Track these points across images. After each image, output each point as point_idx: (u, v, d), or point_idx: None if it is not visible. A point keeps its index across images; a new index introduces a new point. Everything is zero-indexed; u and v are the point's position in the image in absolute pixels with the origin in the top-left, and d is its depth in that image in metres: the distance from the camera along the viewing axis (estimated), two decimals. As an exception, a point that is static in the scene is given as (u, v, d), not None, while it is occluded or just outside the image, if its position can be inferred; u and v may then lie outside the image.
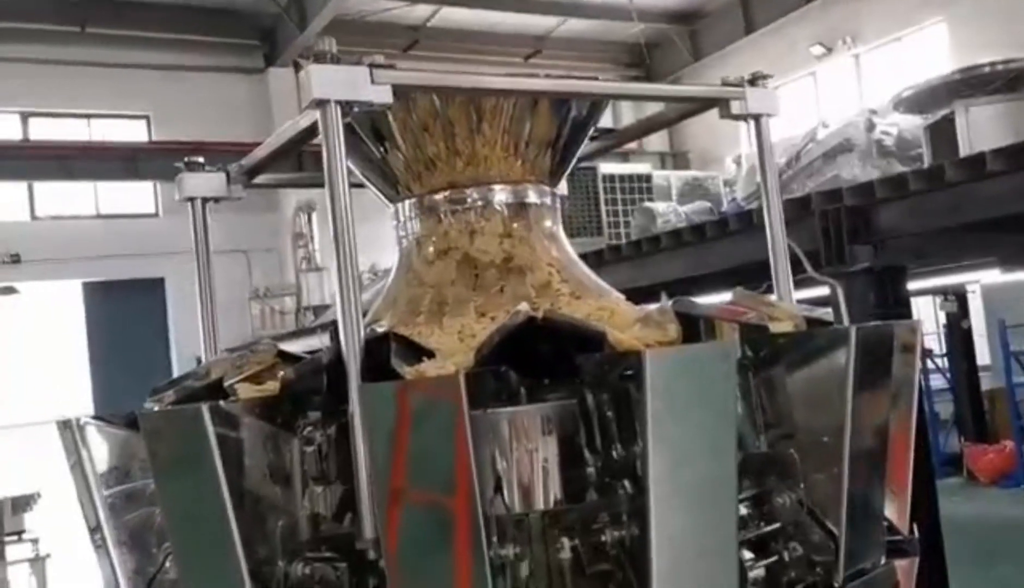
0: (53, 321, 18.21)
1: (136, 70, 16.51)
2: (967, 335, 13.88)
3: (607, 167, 11.84)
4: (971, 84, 6.85)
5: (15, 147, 15.61)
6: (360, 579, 1.92)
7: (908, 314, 5.73)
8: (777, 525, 2.12)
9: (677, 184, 12.57)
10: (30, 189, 16.31)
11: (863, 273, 5.27)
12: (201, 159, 2.70)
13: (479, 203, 2.44)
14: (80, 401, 15.68)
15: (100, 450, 2.28)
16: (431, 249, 2.47)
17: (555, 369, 2.03)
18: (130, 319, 16.68)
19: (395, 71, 2.01)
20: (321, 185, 1.97)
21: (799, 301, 2.58)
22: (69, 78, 16.06)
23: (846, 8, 16.91)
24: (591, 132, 2.72)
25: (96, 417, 2.31)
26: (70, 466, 2.26)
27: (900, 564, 2.32)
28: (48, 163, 15.11)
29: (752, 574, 2.04)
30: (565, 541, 1.90)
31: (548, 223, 2.55)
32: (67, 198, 16.50)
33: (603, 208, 11.38)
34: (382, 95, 1.98)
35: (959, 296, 13.62)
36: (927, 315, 14.46)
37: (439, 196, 2.46)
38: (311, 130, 2.09)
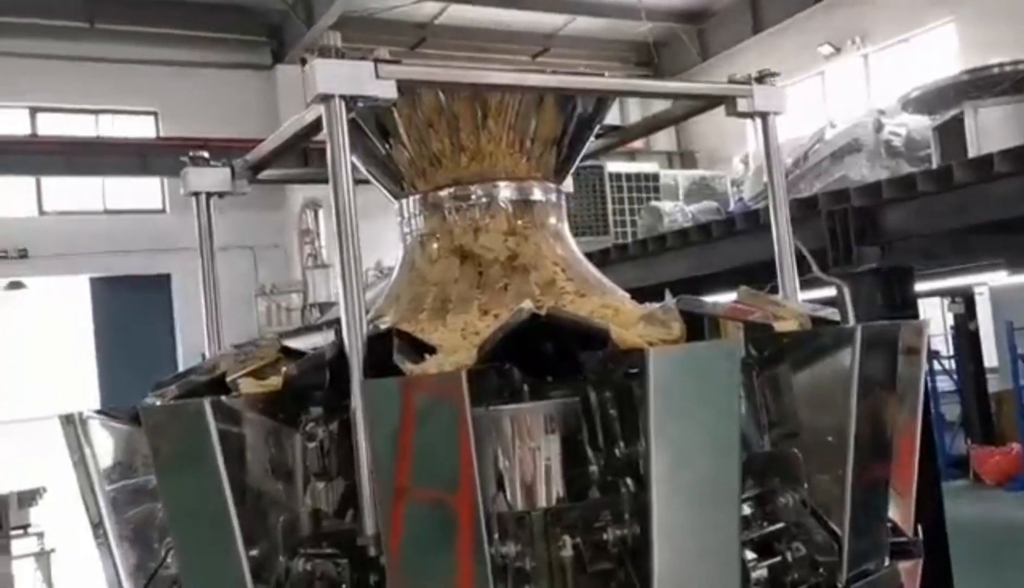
0: (60, 316, 18.26)
1: (144, 66, 16.54)
2: (974, 337, 13.83)
3: (614, 166, 11.80)
4: (980, 85, 6.82)
5: (23, 142, 15.65)
6: (361, 575, 1.92)
7: (915, 315, 5.71)
8: (780, 525, 2.11)
9: (684, 183, 12.53)
10: (38, 184, 16.34)
11: (870, 274, 5.26)
12: (206, 154, 2.70)
13: (484, 200, 2.44)
14: (87, 396, 15.69)
15: (103, 445, 2.28)
16: (435, 246, 2.47)
17: (559, 367, 2.03)
18: (137, 315, 16.71)
19: (399, 66, 2.01)
20: (326, 181, 1.96)
21: (806, 301, 2.57)
22: (77, 74, 16.09)
23: (855, 8, 16.85)
24: (597, 129, 2.71)
25: (98, 412, 2.31)
26: (72, 461, 2.26)
27: (904, 566, 2.31)
28: (56, 158, 15.13)
29: (755, 574, 2.03)
30: (567, 539, 1.90)
31: (553, 220, 2.54)
32: (75, 194, 16.53)
33: (610, 207, 11.35)
34: (386, 90, 1.97)
35: (967, 298, 13.56)
36: (935, 317, 14.40)
37: (443, 193, 2.46)
38: (316, 125, 2.08)
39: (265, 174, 2.79)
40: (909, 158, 8.05)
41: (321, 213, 15.87)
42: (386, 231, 2.65)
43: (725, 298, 2.37)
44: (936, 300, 14.07)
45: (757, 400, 2.19)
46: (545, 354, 2.04)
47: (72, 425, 2.26)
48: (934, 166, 6.71)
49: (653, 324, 2.08)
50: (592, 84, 2.47)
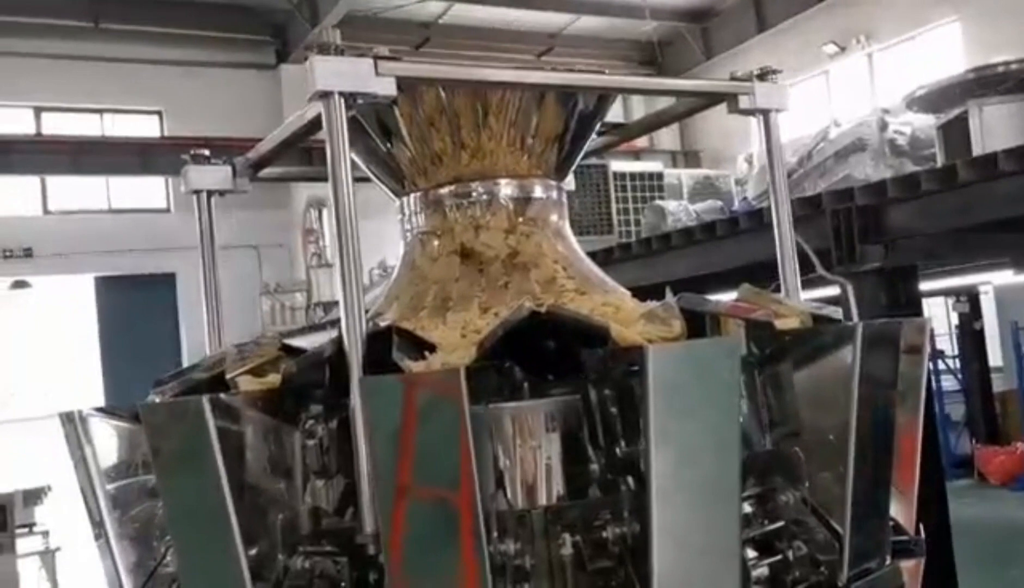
0: (64, 316, 18.29)
1: (149, 66, 16.56)
2: (979, 336, 13.79)
3: (618, 165, 11.80)
4: (984, 83, 6.79)
5: (28, 141, 15.68)
6: (360, 573, 1.91)
7: (919, 314, 5.69)
8: (781, 524, 2.10)
9: (688, 183, 12.53)
10: (42, 183, 16.36)
11: (874, 273, 5.24)
12: (207, 152, 2.70)
13: (484, 197, 2.43)
14: (91, 395, 15.72)
15: (103, 443, 2.27)
16: (436, 244, 2.46)
17: (559, 365, 2.02)
18: (141, 314, 16.72)
19: (399, 63, 2.00)
20: (327, 178, 1.96)
21: (808, 300, 2.56)
22: (82, 73, 16.12)
23: (859, 7, 16.81)
24: (598, 127, 2.70)
25: (99, 409, 2.31)
26: (72, 458, 2.26)
27: (906, 565, 2.30)
28: (61, 158, 15.16)
29: (755, 573, 2.02)
30: (567, 537, 1.89)
31: (554, 218, 2.54)
32: (79, 193, 16.56)
33: (614, 206, 11.34)
34: (386, 87, 1.97)
35: (971, 297, 13.53)
36: (939, 316, 14.36)
37: (444, 190, 2.45)
38: (316, 123, 2.08)
39: (266, 172, 2.79)
40: (913, 157, 8.03)
41: (325, 213, 15.87)
42: (389, 231, 2.64)
43: (728, 297, 2.36)
44: (941, 299, 14.04)
45: (758, 398, 2.18)
46: (546, 352, 2.04)
47: (72, 423, 2.26)
48: (938, 165, 6.68)
49: (654, 322, 2.07)
50: (593, 81, 2.46)
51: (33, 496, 9.13)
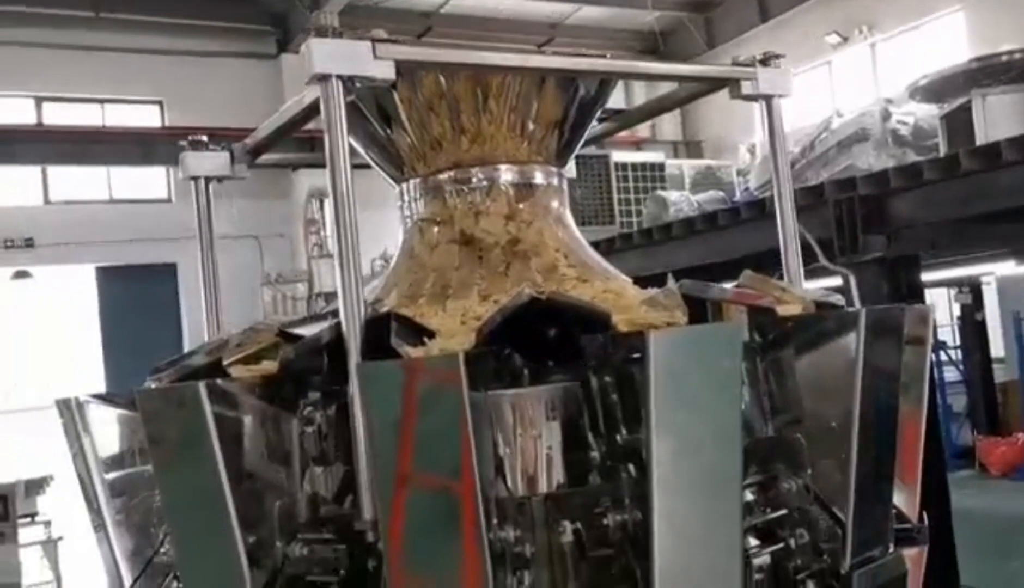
0: (66, 306, 18.29)
1: (149, 55, 16.53)
2: (981, 327, 13.77)
3: (619, 155, 11.76)
4: (988, 73, 6.75)
5: (29, 131, 15.67)
6: (359, 561, 1.90)
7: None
8: (783, 512, 2.09)
9: (690, 173, 12.49)
10: (43, 173, 16.36)
11: (876, 263, 5.22)
12: (205, 138, 2.68)
13: (484, 183, 2.41)
14: (93, 385, 15.73)
15: (100, 429, 2.26)
16: (435, 231, 2.44)
17: (560, 352, 2.00)
18: (143, 304, 16.73)
19: (398, 46, 1.98)
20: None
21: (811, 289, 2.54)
22: (83, 63, 16.09)
23: (862, -3, 16.77)
24: (599, 113, 2.68)
25: (96, 395, 2.29)
26: (69, 445, 2.25)
27: (909, 553, 2.28)
28: (62, 147, 15.16)
29: (757, 561, 2.01)
30: (567, 525, 1.88)
31: (555, 204, 2.51)
32: (80, 183, 16.55)
33: (615, 196, 11.31)
34: (384, 70, 1.95)
35: (973, 288, 13.50)
36: (941, 307, 14.32)
37: (444, 176, 2.43)
38: (314, 107, 2.06)
39: (266, 158, 2.77)
40: (916, 147, 7.99)
41: (327, 203, 15.82)
42: (391, 222, 2.62)
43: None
44: (943, 290, 14.01)
45: (761, 386, 2.16)
46: (546, 339, 2.02)
47: (69, 410, 2.25)
48: (941, 155, 6.65)
49: (655, 309, 2.05)
50: (594, 65, 2.44)
51: (35, 486, 9.15)
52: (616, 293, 2.26)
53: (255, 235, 16.24)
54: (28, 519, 9.02)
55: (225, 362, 2.00)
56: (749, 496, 2.04)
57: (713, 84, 2.63)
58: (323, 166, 1.95)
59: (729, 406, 1.83)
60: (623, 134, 16.16)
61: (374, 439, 1.77)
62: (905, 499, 2.35)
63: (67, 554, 9.05)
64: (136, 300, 16.79)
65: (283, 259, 17.01)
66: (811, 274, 2.66)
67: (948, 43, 15.09)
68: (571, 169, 2.63)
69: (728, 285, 2.37)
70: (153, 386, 2.12)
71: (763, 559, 2.03)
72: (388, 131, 2.45)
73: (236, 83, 17.04)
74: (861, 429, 2.00)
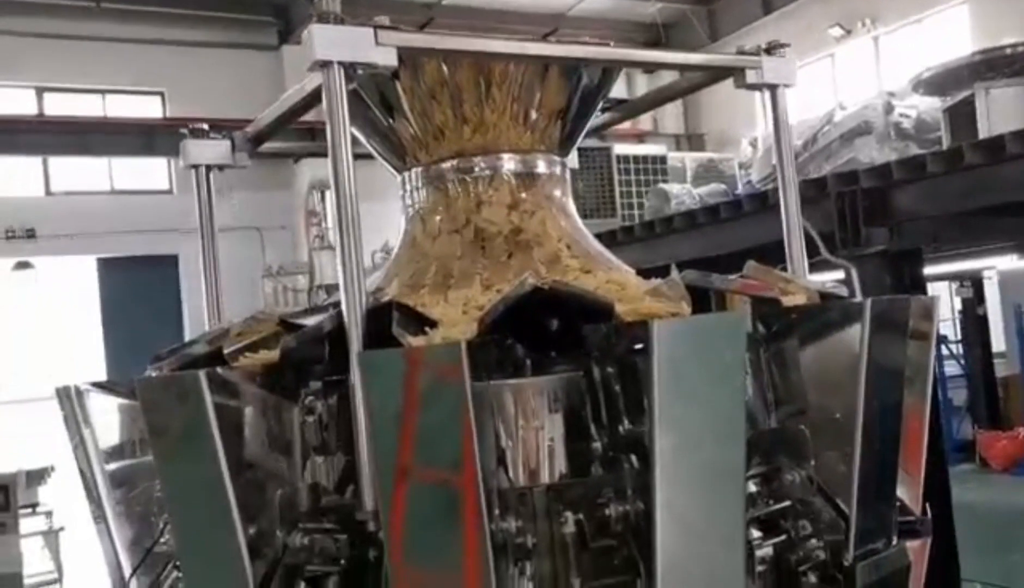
0: (67, 296, 18.28)
1: (151, 46, 16.49)
2: (982, 321, 13.74)
3: (621, 148, 11.72)
4: (992, 66, 6.73)
5: (30, 122, 15.64)
6: (360, 550, 1.89)
7: (924, 297, 5.63)
8: (786, 503, 2.08)
9: (692, 166, 12.43)
10: (45, 164, 16.34)
11: (878, 256, 5.20)
12: (206, 126, 2.66)
13: (487, 172, 2.39)
14: (94, 376, 15.69)
15: (100, 419, 2.25)
16: (437, 219, 2.43)
17: (563, 342, 1.99)
18: (144, 295, 16.72)
19: (400, 33, 1.97)
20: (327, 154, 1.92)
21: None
22: (84, 53, 16.05)
23: (866, -11, 16.72)
24: (602, 102, 2.66)
25: (96, 384, 2.28)
26: (69, 433, 2.24)
27: (912, 545, 2.27)
28: (63, 138, 15.13)
29: (760, 553, 2.00)
30: (569, 515, 1.87)
31: (558, 193, 2.50)
32: (82, 174, 16.52)
33: (617, 189, 11.26)
34: (386, 57, 1.93)
35: (975, 282, 13.47)
36: (943, 301, 14.28)
37: (446, 165, 2.42)
38: (316, 95, 2.04)
39: (267, 146, 2.75)
40: (919, 140, 7.96)
41: (328, 195, 15.79)
42: (393, 213, 2.61)
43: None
44: (944, 284, 13.99)
45: (764, 377, 2.15)
46: (549, 329, 2.01)
47: (69, 398, 2.24)
48: (944, 148, 6.63)
49: (659, 299, 2.04)
50: (597, 53, 2.42)
51: (36, 476, 9.15)
52: (619, 283, 2.25)
53: (256, 227, 16.22)
54: (29, 509, 9.01)
55: (226, 350, 1.99)
56: (752, 487, 2.03)
57: (717, 73, 2.61)
58: (325, 155, 1.94)
59: (733, 397, 1.82)
60: (625, 127, 16.12)
61: (376, 428, 1.76)
62: (909, 490, 2.33)
63: (68, 544, 9.05)
64: (137, 291, 16.78)
65: (284, 251, 16.99)
66: (813, 267, 2.64)
67: (951, 36, 15.03)
68: (574, 161, 2.62)
69: (731, 277, 2.35)
70: (154, 374, 2.11)
71: (766, 551, 2.02)
72: (390, 120, 2.43)
73: (238, 74, 16.99)
74: (865, 421, 1.99)
